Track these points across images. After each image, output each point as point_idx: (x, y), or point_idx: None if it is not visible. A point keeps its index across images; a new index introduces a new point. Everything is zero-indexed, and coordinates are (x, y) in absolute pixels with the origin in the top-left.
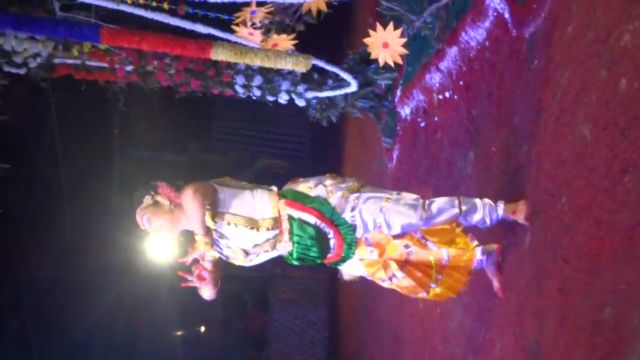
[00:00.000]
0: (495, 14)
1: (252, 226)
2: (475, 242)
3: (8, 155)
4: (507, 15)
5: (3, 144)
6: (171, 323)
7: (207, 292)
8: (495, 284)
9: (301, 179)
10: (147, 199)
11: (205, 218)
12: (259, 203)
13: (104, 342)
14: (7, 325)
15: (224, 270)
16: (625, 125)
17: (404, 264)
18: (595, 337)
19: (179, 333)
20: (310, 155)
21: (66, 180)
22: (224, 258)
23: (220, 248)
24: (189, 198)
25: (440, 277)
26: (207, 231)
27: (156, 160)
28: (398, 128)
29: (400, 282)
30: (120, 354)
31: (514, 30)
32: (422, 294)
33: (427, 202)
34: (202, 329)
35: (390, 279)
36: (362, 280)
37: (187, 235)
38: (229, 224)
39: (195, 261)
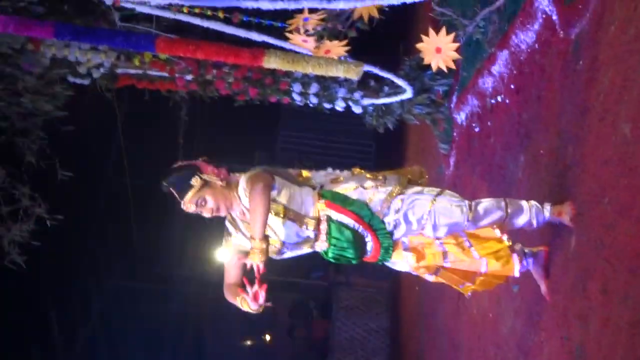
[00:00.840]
0: (543, 16)
1: (299, 221)
2: (517, 259)
3: (74, 164)
4: (554, 17)
5: (69, 154)
6: (237, 331)
7: (245, 307)
8: (543, 287)
9: (342, 178)
10: (195, 181)
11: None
12: (305, 200)
13: (172, 351)
14: (78, 333)
15: (288, 279)
16: None
17: (439, 269)
18: (634, 337)
19: (246, 342)
20: (375, 164)
21: (132, 190)
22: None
23: None
24: (259, 195)
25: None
26: (265, 237)
27: None
28: (454, 134)
29: (443, 274)
30: None
31: (561, 32)
32: (468, 284)
33: (473, 203)
34: (268, 337)
35: (435, 273)
36: (421, 288)
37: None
38: (277, 214)
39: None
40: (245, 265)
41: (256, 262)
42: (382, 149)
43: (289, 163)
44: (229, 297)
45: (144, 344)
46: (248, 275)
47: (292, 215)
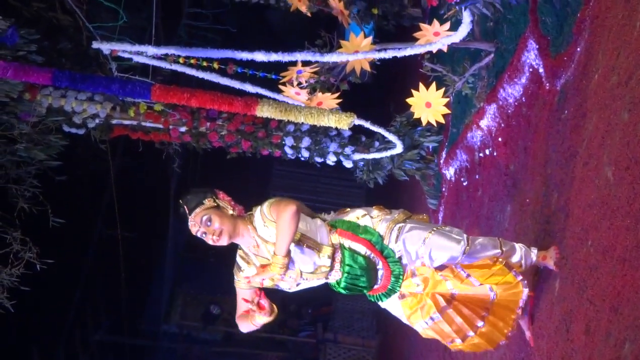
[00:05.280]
0: (530, 69)
1: (317, 249)
2: (520, 277)
3: (66, 213)
4: (541, 70)
5: (62, 202)
6: None
7: (260, 320)
8: (527, 333)
9: (348, 209)
10: (208, 200)
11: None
12: (320, 230)
13: None
14: None
15: (277, 337)
16: None
17: (450, 301)
18: None
19: None
20: None
21: (122, 242)
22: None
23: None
24: (291, 216)
25: (487, 315)
26: (288, 254)
27: None
28: (443, 189)
29: (436, 325)
30: None
31: (547, 84)
32: (458, 342)
33: (470, 237)
34: None
35: (426, 322)
36: (408, 343)
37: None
38: (297, 242)
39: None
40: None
41: (275, 272)
42: None
43: None
44: (243, 327)
45: None
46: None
47: (311, 244)
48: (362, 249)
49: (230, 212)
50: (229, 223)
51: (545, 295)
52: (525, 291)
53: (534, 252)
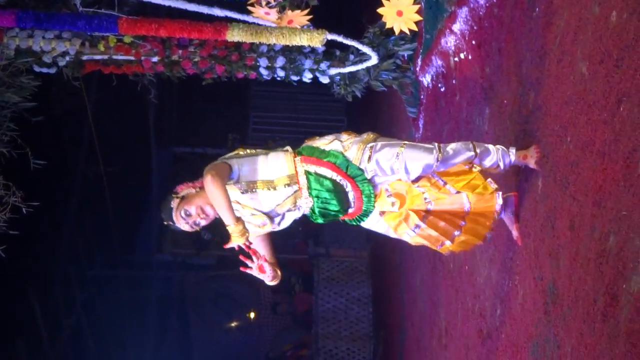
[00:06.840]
0: None
1: (269, 187)
2: (495, 186)
3: (46, 154)
4: None
5: (41, 143)
6: (221, 311)
7: (268, 280)
8: (514, 232)
9: (317, 137)
10: (174, 201)
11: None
12: (272, 163)
13: (158, 336)
14: (63, 324)
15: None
16: (618, 56)
17: (426, 215)
18: (602, 265)
19: (232, 322)
20: None
21: (107, 176)
22: (255, 230)
23: (248, 220)
24: (210, 183)
25: (464, 223)
26: (238, 219)
27: (196, 155)
28: (421, 97)
29: (423, 231)
30: (174, 349)
31: None
32: (448, 243)
33: (442, 145)
34: (252, 315)
35: (414, 230)
36: (400, 251)
37: None
38: (247, 191)
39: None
40: (267, 239)
41: (239, 243)
42: (354, 123)
43: (262, 143)
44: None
45: (128, 331)
46: (244, 254)
47: (261, 185)
48: (327, 172)
49: (194, 191)
50: (200, 198)
51: (529, 194)
52: (500, 203)
53: (512, 152)
